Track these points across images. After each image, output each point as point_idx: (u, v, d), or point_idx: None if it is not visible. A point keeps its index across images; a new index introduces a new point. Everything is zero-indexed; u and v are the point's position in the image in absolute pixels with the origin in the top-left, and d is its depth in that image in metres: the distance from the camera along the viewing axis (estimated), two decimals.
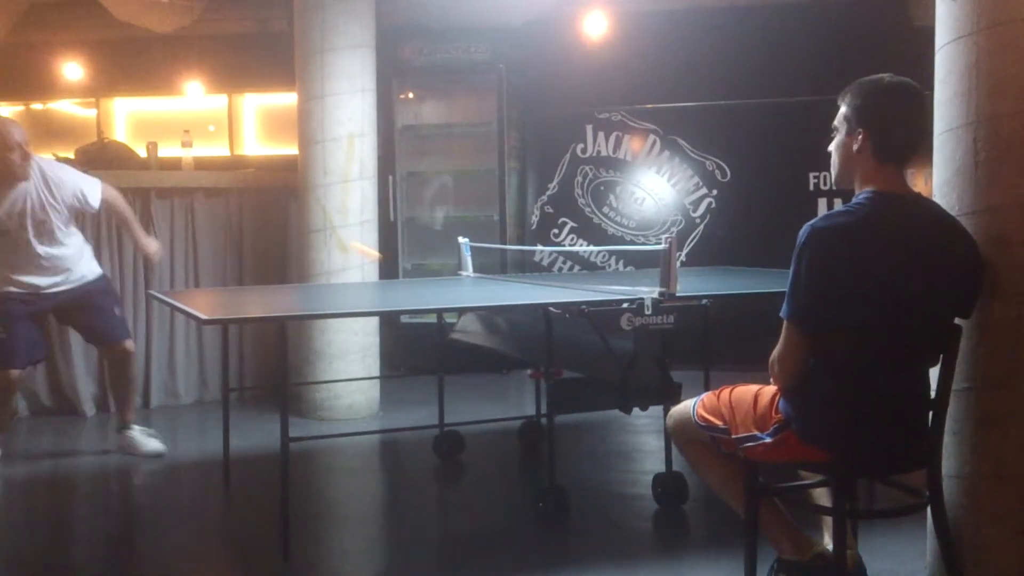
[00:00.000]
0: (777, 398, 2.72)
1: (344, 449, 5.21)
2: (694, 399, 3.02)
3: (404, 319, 7.23)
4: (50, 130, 8.92)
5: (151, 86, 8.77)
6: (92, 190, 4.99)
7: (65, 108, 9.26)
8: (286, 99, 7.84)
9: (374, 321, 6.11)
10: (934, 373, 2.63)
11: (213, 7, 7.50)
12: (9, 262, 4.89)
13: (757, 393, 2.80)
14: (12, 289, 4.89)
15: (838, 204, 6.63)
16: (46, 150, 7.31)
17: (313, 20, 5.88)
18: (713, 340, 4.04)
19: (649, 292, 3.59)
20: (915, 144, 2.61)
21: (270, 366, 6.27)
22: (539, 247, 7.52)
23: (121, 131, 9.01)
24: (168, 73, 8.61)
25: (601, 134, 7.65)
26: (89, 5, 7.21)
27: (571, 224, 7.71)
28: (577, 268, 7.62)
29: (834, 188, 7.00)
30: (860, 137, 2.61)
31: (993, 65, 2.51)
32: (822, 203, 7.13)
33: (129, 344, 5.18)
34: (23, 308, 4.90)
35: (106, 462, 5.10)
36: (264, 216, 6.65)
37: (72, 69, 8.80)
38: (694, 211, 7.49)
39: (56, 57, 8.74)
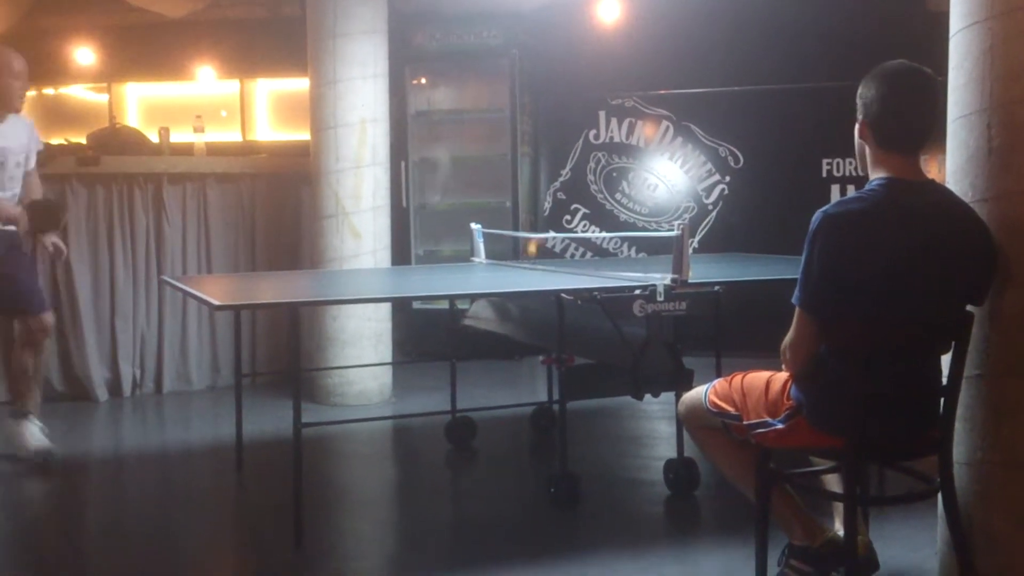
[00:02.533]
0: (789, 384, 2.72)
1: (356, 435, 5.23)
2: (706, 385, 3.02)
3: (416, 305, 7.23)
4: (62, 115, 8.93)
5: (163, 71, 8.77)
6: (38, 146, 4.88)
7: (77, 93, 9.27)
8: (298, 84, 7.82)
9: (386, 307, 6.12)
10: (946, 360, 2.63)
11: None
12: None
13: (769, 379, 2.80)
14: None
15: (851, 190, 6.60)
16: (58, 135, 7.34)
17: (325, 5, 5.87)
18: (725, 326, 4.04)
19: (661, 278, 3.59)
20: (924, 131, 2.59)
21: (282, 352, 6.29)
22: (551, 233, 7.52)
23: (133, 116, 9.01)
24: (180, 58, 8.61)
25: (614, 120, 7.63)
26: None
27: (583, 210, 7.70)
28: (589, 254, 7.61)
29: (849, 175, 7.08)
30: (870, 124, 2.60)
31: (1008, 51, 2.49)
32: (835, 189, 7.11)
33: (48, 317, 4.72)
34: None
35: (119, 447, 5.13)
36: (276, 202, 6.65)
37: (84, 54, 8.80)
38: (707, 197, 7.47)
39: (68, 42, 8.73)
